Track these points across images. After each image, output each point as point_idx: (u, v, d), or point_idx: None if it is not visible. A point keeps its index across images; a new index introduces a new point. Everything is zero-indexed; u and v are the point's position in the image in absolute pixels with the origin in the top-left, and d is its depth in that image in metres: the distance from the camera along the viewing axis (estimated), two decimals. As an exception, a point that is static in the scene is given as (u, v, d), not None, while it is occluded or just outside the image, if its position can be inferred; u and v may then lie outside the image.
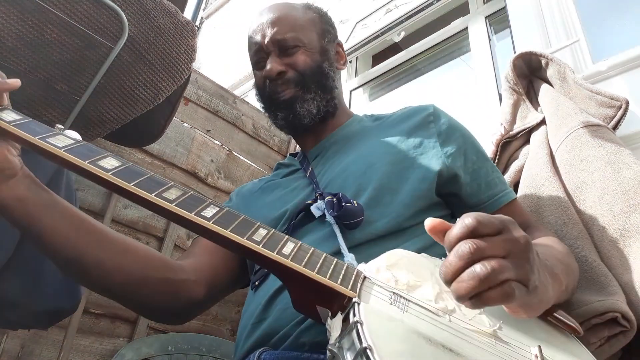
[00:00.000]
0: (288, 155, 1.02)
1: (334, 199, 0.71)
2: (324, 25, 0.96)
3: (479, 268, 0.40)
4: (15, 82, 0.58)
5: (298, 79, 0.87)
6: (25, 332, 1.25)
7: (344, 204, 0.70)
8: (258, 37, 0.91)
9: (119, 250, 0.69)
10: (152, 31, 1.12)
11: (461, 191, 0.80)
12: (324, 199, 0.73)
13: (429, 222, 0.47)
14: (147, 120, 1.22)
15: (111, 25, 1.04)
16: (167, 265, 0.75)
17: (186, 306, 0.77)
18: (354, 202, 0.71)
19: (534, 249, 0.46)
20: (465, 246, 0.41)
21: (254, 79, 0.96)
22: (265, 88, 0.90)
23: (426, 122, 0.85)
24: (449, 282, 0.42)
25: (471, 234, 0.42)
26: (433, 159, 0.79)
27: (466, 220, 0.43)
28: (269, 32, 0.89)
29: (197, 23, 4.18)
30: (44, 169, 0.97)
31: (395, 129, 0.86)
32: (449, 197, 0.82)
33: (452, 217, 0.86)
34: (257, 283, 0.76)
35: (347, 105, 2.31)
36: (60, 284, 1.02)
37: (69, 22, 0.99)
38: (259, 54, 0.91)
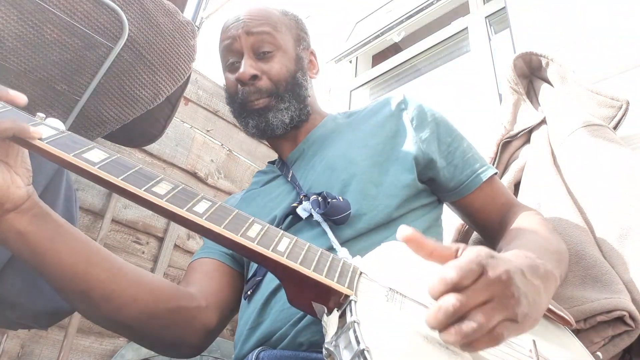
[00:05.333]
0: (267, 163, 1.01)
1: (319, 198, 0.71)
2: (299, 31, 0.94)
3: (465, 326, 0.40)
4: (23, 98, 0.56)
5: (272, 89, 0.85)
6: (25, 332, 1.25)
7: (329, 200, 0.69)
8: (232, 31, 0.87)
9: (131, 282, 0.65)
10: (152, 31, 1.12)
11: (439, 176, 0.81)
12: (309, 200, 0.73)
13: (401, 233, 0.47)
14: (147, 120, 1.22)
15: (111, 25, 1.04)
16: (179, 293, 0.72)
17: (200, 335, 0.74)
18: (340, 197, 0.70)
19: (517, 275, 0.45)
20: (449, 303, 0.40)
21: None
22: (238, 93, 0.87)
23: (398, 110, 0.85)
24: (435, 330, 0.42)
25: (452, 289, 0.41)
26: (409, 146, 0.80)
27: (447, 273, 0.41)
28: (243, 28, 0.86)
29: (197, 23, 4.17)
30: (44, 170, 0.97)
31: (370, 121, 0.86)
32: (431, 183, 0.82)
33: (440, 203, 0.86)
34: (249, 292, 0.75)
35: (347, 105, 2.31)
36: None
37: (69, 22, 0.98)
38: (231, 52, 0.88)
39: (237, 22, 0.88)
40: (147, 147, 1.57)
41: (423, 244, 0.47)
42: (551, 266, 0.56)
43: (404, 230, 0.47)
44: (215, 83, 1.94)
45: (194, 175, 1.74)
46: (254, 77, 0.84)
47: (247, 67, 0.84)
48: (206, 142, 1.82)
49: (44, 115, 0.55)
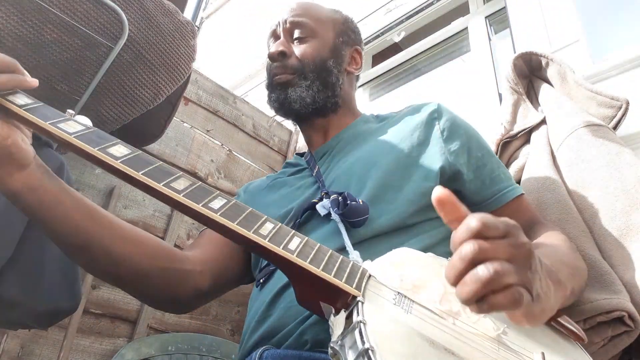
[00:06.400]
0: (295, 154, 1.02)
1: (340, 198, 0.71)
2: (344, 28, 0.97)
3: (481, 270, 0.39)
4: (34, 81, 0.61)
5: (297, 67, 0.88)
6: (25, 332, 1.25)
7: (349, 202, 0.70)
8: (275, 20, 0.95)
9: (128, 240, 0.70)
10: (152, 31, 1.12)
11: (464, 188, 0.80)
12: (329, 198, 0.73)
13: (437, 192, 0.45)
14: (147, 120, 1.22)
15: (111, 25, 1.04)
16: (173, 256, 0.76)
17: (191, 296, 0.78)
18: (360, 200, 0.71)
19: (537, 257, 0.45)
20: (468, 247, 0.40)
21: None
22: (269, 70, 0.93)
23: (430, 119, 0.85)
24: (453, 284, 0.41)
25: (476, 235, 0.41)
26: (436, 156, 0.79)
27: (471, 222, 0.41)
28: (286, 15, 0.93)
29: (197, 23, 4.18)
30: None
31: (400, 127, 0.86)
32: (455, 195, 0.81)
33: None
34: (262, 281, 0.76)
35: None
36: (60, 284, 1.02)
37: (69, 22, 0.98)
38: (272, 37, 0.95)
39: (282, 14, 0.94)
40: (147, 147, 1.57)
41: (457, 207, 0.45)
42: (562, 277, 0.55)
43: (438, 190, 0.45)
44: (215, 83, 1.94)
45: (194, 175, 1.74)
46: (283, 54, 0.90)
47: (277, 44, 0.91)
48: (206, 142, 1.82)
49: (74, 112, 0.60)
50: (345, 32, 0.97)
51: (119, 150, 0.55)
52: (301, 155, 0.98)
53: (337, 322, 0.48)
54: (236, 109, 1.98)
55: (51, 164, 0.98)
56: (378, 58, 2.44)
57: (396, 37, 2.26)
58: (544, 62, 1.17)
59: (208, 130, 1.86)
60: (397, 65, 2.22)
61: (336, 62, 0.92)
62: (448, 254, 0.70)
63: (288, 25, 0.92)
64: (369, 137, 0.88)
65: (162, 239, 1.56)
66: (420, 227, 0.74)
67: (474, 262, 0.40)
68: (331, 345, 0.45)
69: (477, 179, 0.81)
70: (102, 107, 1.09)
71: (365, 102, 2.33)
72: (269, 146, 2.07)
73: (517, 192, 0.82)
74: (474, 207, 0.82)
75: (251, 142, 2.01)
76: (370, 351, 0.40)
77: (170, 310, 0.83)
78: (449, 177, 0.79)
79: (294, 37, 0.91)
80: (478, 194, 0.81)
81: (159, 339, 1.43)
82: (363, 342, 0.41)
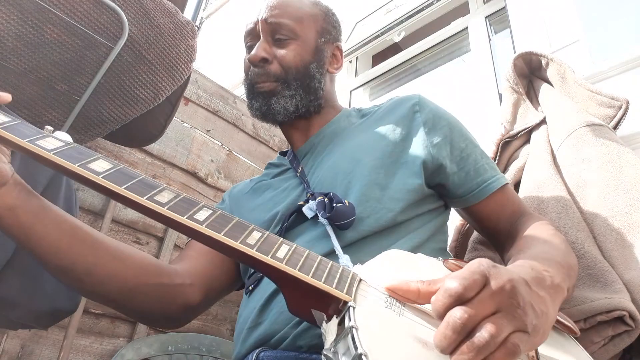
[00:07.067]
0: (278, 154, 0.99)
1: (326, 199, 0.70)
2: (326, 24, 0.93)
3: (477, 339, 0.38)
4: (6, 96, 0.58)
5: (280, 75, 0.85)
6: (25, 332, 1.25)
7: (335, 204, 0.69)
8: (254, 17, 0.90)
9: (112, 257, 0.67)
10: (152, 31, 1.12)
11: (448, 181, 0.79)
12: (315, 200, 0.72)
13: (389, 284, 0.49)
14: (147, 120, 1.22)
15: (111, 25, 1.04)
16: (161, 270, 0.74)
17: (182, 311, 0.76)
18: (346, 202, 0.70)
19: (522, 282, 0.44)
20: (456, 318, 0.39)
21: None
22: (248, 74, 0.88)
23: (412, 112, 0.83)
24: (447, 354, 0.40)
25: (458, 301, 0.40)
26: (419, 150, 0.78)
27: (451, 286, 0.41)
28: (265, 13, 0.87)
29: (197, 23, 4.17)
30: (43, 170, 0.97)
31: (382, 122, 0.85)
32: (439, 189, 0.81)
33: (446, 208, 0.85)
34: (250, 288, 0.75)
35: (347, 105, 2.31)
36: (60, 284, 1.02)
37: (69, 22, 0.98)
38: (250, 35, 0.90)
39: (261, 9, 0.90)
40: (147, 147, 1.57)
41: (408, 289, 0.47)
42: (559, 279, 0.55)
43: (387, 283, 0.49)
44: (215, 83, 1.94)
45: (194, 175, 1.74)
46: (264, 60, 0.85)
47: (259, 49, 0.86)
48: (206, 142, 1.82)
49: (52, 129, 0.57)
50: (327, 29, 0.93)
51: (101, 165, 0.53)
52: (284, 154, 0.96)
53: (330, 329, 0.47)
54: (236, 109, 1.98)
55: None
56: (378, 58, 2.44)
57: (396, 37, 2.27)
58: (544, 62, 1.17)
59: (208, 130, 1.86)
60: (397, 65, 2.22)
61: (318, 64, 0.89)
62: (437, 251, 0.69)
63: (268, 24, 0.87)
64: (351, 133, 0.87)
65: (161, 239, 1.58)
66: (409, 225, 0.74)
67: (466, 331, 0.39)
68: (324, 352, 0.44)
69: (461, 171, 0.80)
70: (102, 107, 1.09)
71: (365, 102, 2.33)
72: (268, 146, 2.07)
73: (502, 182, 0.81)
74: (458, 199, 0.81)
75: (251, 142, 2.02)
76: (363, 356, 0.39)
77: (162, 326, 0.79)
78: (433, 171, 0.78)
79: (275, 39, 0.87)
80: (463, 186, 0.80)
81: (158, 339, 1.43)
82: (356, 348, 0.40)
